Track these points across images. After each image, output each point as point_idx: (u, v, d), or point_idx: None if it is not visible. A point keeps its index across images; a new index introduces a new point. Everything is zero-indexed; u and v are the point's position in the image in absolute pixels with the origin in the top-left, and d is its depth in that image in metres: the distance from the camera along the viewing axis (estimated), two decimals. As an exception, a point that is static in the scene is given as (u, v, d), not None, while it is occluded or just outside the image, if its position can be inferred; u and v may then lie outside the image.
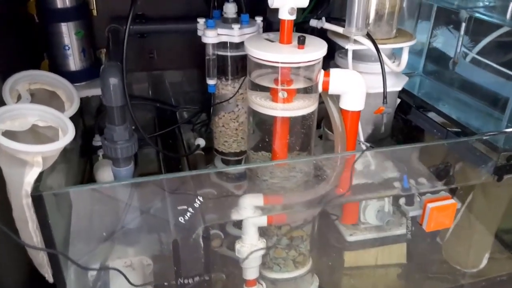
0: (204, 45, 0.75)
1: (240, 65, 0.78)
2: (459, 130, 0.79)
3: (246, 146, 0.85)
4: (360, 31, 0.67)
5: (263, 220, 0.64)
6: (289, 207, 0.67)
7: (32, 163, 0.48)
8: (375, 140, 0.82)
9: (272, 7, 0.58)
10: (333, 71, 0.63)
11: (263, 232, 0.68)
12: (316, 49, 0.60)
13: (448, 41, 0.89)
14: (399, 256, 0.79)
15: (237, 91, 0.78)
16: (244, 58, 0.79)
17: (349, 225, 0.77)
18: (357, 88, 0.63)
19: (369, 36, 0.68)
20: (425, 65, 0.97)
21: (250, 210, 0.64)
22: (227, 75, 0.79)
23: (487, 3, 0.85)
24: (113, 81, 0.55)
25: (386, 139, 0.85)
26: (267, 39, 0.64)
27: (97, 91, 0.75)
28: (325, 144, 0.83)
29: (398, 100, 0.84)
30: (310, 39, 0.62)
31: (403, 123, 0.91)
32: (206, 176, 0.86)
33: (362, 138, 0.71)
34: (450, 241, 0.79)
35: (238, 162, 0.87)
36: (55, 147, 0.48)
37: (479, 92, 0.83)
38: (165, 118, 0.96)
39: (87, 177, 0.88)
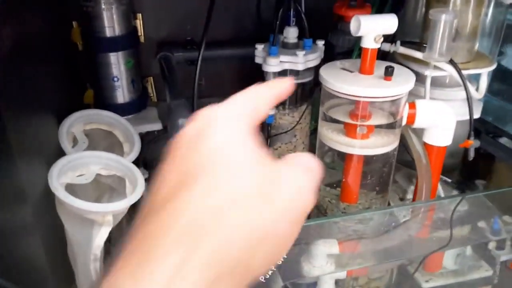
0: (253, 70, 0.69)
1: (299, 93, 0.72)
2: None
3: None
4: (443, 57, 0.60)
5: (342, 273, 0.57)
6: (367, 255, 0.60)
7: (101, 222, 0.41)
8: (444, 173, 0.75)
9: (357, 35, 0.52)
10: (419, 102, 0.57)
11: (337, 283, 0.61)
12: (405, 80, 0.54)
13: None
14: (480, 301, 0.71)
15: (298, 121, 0.72)
16: (304, 85, 0.73)
17: (424, 271, 0.70)
18: (446, 121, 0.57)
19: (451, 61, 0.62)
20: (491, 85, 0.89)
21: (323, 258, 0.57)
22: (285, 104, 0.72)
23: None
24: (183, 122, 0.48)
25: (455, 170, 0.78)
26: (343, 69, 0.57)
27: (148, 127, 0.70)
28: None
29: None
30: (395, 69, 0.55)
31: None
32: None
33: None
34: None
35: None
36: (129, 203, 0.42)
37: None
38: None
39: (132, 215, 0.82)
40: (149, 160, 0.87)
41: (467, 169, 0.80)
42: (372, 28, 0.51)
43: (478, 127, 0.84)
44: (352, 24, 0.52)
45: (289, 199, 0.21)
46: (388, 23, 0.52)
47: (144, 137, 0.83)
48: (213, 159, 0.21)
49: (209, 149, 0.22)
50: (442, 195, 0.71)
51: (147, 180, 0.82)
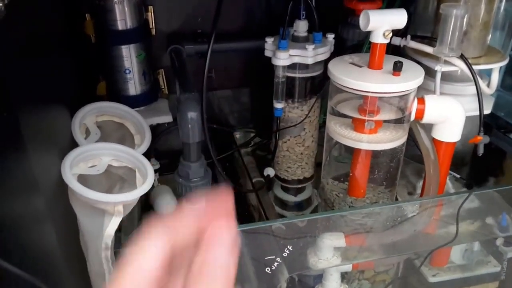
0: (263, 63, 0.69)
1: (309, 87, 0.72)
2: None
3: (310, 173, 0.79)
4: (454, 52, 0.60)
5: (348, 266, 0.58)
6: (374, 249, 0.60)
7: (112, 212, 0.43)
8: (454, 168, 0.74)
9: (366, 30, 0.52)
10: (428, 98, 0.57)
11: (343, 275, 0.62)
12: (414, 75, 0.53)
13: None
14: (487, 297, 0.71)
15: (307, 115, 0.72)
16: (314, 79, 0.73)
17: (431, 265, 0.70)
18: (455, 117, 0.57)
19: (462, 57, 0.61)
20: (504, 80, 0.88)
21: (330, 252, 0.58)
22: (295, 97, 0.73)
23: None
24: (191, 115, 0.49)
25: (466, 166, 0.78)
26: (352, 63, 0.57)
27: (158, 119, 0.71)
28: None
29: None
30: (404, 64, 0.55)
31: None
32: (271, 207, 0.81)
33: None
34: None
35: (300, 190, 0.81)
36: (139, 194, 0.43)
37: None
38: (220, 140, 0.91)
39: (143, 203, 0.83)
40: (160, 151, 0.88)
41: (478, 164, 0.80)
42: (381, 23, 0.51)
43: (489, 122, 0.83)
44: (361, 19, 0.52)
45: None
46: (398, 18, 0.52)
47: (155, 128, 0.85)
48: None
49: None
50: (452, 190, 0.71)
51: (158, 171, 0.84)
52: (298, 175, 0.79)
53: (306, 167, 0.78)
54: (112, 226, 0.42)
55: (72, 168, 0.44)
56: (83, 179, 0.46)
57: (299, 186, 0.80)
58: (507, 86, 0.89)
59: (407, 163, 0.77)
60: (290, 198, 0.81)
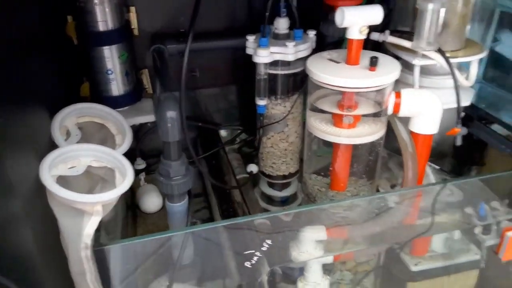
0: (247, 61, 0.70)
1: (291, 83, 0.73)
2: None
3: (295, 168, 0.80)
4: (431, 46, 0.60)
5: (329, 258, 0.59)
6: (355, 241, 0.61)
7: (91, 212, 0.43)
8: (436, 159, 0.75)
9: (342, 26, 0.53)
10: (405, 91, 0.58)
11: (325, 267, 0.63)
12: (389, 70, 0.54)
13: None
14: (469, 285, 0.73)
15: (290, 111, 0.73)
16: (296, 75, 0.74)
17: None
18: (432, 110, 0.57)
19: (440, 50, 0.62)
20: (486, 71, 0.89)
21: (311, 244, 0.59)
22: (277, 94, 0.73)
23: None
24: (171, 114, 0.50)
25: (448, 157, 0.79)
26: (330, 60, 0.58)
27: (142, 119, 0.71)
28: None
29: (462, 114, 0.77)
30: (381, 58, 0.56)
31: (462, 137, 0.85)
32: (255, 203, 0.82)
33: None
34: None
35: (286, 185, 0.82)
36: (117, 193, 0.44)
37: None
38: (206, 137, 0.91)
39: (130, 201, 0.84)
40: (146, 150, 0.89)
41: (460, 155, 0.81)
42: (356, 20, 0.52)
43: (470, 114, 0.84)
44: (336, 15, 0.53)
45: None
46: (373, 14, 0.53)
47: (139, 128, 0.85)
48: None
49: None
50: (433, 181, 0.72)
51: (144, 170, 0.85)
52: (283, 170, 0.79)
53: (290, 163, 0.79)
54: (91, 225, 0.43)
55: (51, 169, 0.44)
56: (64, 181, 0.46)
57: (284, 181, 0.81)
58: (488, 78, 0.90)
59: (391, 156, 0.78)
60: (276, 194, 0.82)
